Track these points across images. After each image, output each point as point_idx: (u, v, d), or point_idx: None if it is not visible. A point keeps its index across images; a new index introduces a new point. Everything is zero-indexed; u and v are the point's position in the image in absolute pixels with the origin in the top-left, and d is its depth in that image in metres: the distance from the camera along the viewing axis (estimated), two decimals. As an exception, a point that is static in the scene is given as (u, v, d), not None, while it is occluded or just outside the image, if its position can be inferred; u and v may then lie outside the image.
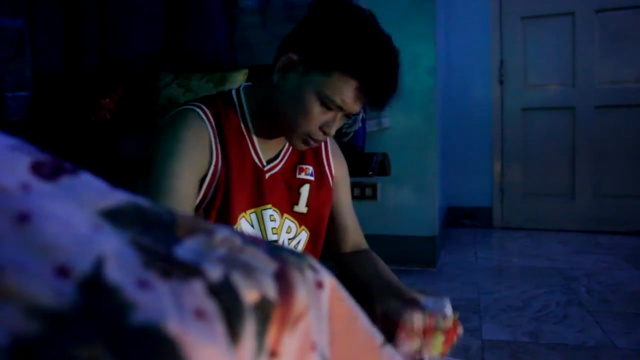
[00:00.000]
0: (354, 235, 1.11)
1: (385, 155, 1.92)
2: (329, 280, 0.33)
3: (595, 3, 3.24)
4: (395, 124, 2.36)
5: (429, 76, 2.33)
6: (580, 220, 3.30)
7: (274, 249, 0.31)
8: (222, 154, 0.94)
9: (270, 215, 0.98)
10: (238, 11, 2.31)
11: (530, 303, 1.83)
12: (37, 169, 0.26)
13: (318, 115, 0.89)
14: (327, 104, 0.88)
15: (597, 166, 3.28)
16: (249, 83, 1.05)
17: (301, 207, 1.02)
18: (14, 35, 2.09)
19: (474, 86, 3.50)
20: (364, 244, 1.11)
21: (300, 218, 1.02)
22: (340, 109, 0.89)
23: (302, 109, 0.89)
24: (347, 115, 0.92)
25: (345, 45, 0.85)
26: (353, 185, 2.38)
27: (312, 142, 0.93)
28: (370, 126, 2.31)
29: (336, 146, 1.13)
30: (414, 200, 2.38)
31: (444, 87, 2.93)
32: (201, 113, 0.94)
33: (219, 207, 0.93)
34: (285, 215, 1.01)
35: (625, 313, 1.72)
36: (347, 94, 0.87)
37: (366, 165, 1.75)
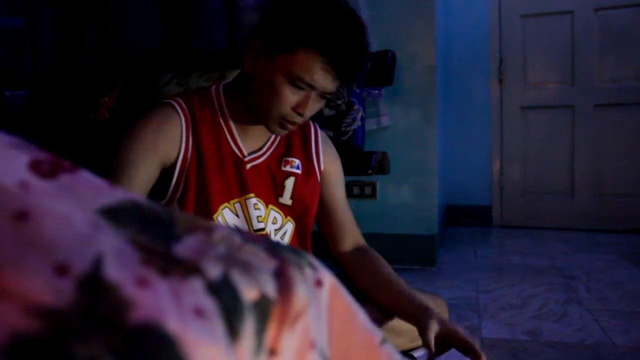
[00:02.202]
0: (351, 232, 1.11)
1: (384, 153, 1.91)
2: (328, 278, 0.33)
3: (594, 1, 3.23)
4: (394, 122, 2.36)
5: (428, 74, 2.33)
6: (579, 218, 3.30)
7: (273, 247, 0.31)
8: (193, 145, 0.96)
9: (255, 204, 0.99)
10: (237, 10, 2.31)
11: (530, 301, 1.83)
12: (36, 167, 0.26)
13: (289, 96, 0.90)
14: (296, 83, 0.88)
15: (596, 165, 3.28)
16: (229, 80, 1.07)
17: (286, 199, 1.03)
18: (13, 34, 2.09)
19: (474, 84, 3.50)
20: (362, 240, 1.12)
21: (285, 209, 1.04)
22: (311, 87, 0.89)
23: (273, 92, 0.90)
24: (323, 96, 0.93)
25: (306, 20, 0.86)
26: (352, 184, 2.39)
27: (289, 126, 0.94)
28: (370, 125, 2.31)
29: (329, 143, 1.14)
30: (413, 199, 2.38)
31: (443, 85, 2.93)
32: (176, 105, 0.97)
33: (194, 198, 0.95)
34: (271, 206, 1.02)
35: (624, 311, 1.72)
36: (314, 69, 0.87)
37: (365, 163, 1.75)
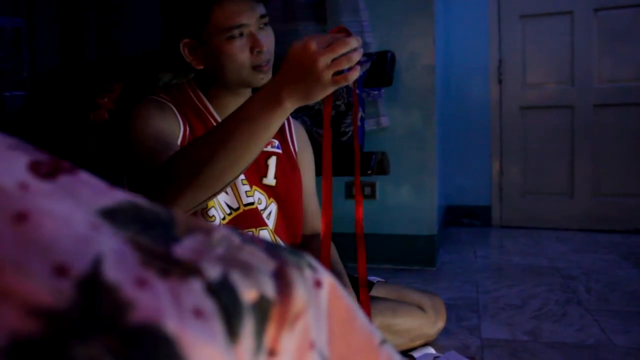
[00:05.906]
0: (313, 220, 1.15)
1: (384, 154, 1.92)
2: (327, 279, 0.33)
3: (594, 2, 3.24)
4: (394, 123, 2.36)
5: (428, 75, 2.33)
6: (579, 218, 3.30)
7: (272, 248, 0.31)
8: (188, 126, 1.02)
9: (242, 180, 1.02)
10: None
11: (529, 302, 1.83)
12: (35, 168, 0.26)
13: (238, 47, 0.97)
14: (231, 33, 0.96)
15: (596, 165, 3.28)
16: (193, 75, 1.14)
17: (270, 180, 1.07)
18: (11, 34, 2.09)
19: (473, 85, 3.50)
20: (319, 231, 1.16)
21: (269, 190, 1.07)
22: (243, 25, 0.96)
23: (226, 56, 0.97)
24: (265, 25, 0.99)
25: None
26: (352, 185, 2.38)
27: (263, 68, 1.00)
28: (369, 125, 2.31)
29: (302, 131, 1.19)
30: (412, 199, 2.38)
31: (442, 86, 2.93)
32: (160, 99, 1.03)
33: None
34: (255, 187, 1.05)
35: (624, 312, 1.72)
36: (231, 11, 0.95)
37: (365, 164, 1.75)
